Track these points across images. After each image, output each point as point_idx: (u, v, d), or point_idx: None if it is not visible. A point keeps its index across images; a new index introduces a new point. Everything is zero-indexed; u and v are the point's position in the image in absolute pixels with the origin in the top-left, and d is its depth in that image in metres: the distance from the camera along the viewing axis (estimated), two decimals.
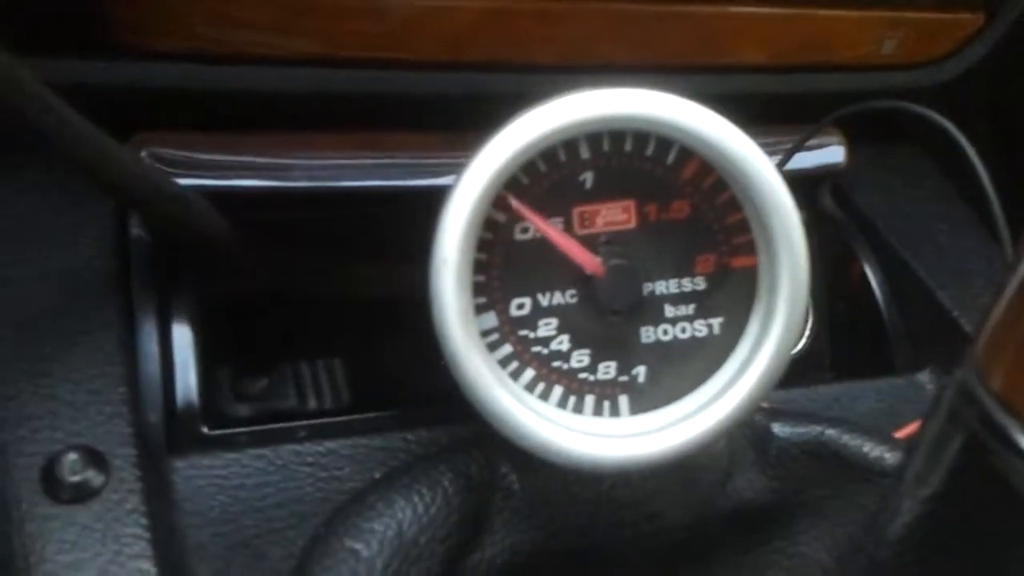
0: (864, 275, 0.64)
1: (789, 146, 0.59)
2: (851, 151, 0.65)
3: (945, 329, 0.60)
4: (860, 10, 0.60)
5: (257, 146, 0.53)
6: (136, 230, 0.51)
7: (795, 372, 0.50)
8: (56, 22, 0.47)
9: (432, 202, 0.40)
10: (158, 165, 0.50)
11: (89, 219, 0.49)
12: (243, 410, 0.56)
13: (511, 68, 0.55)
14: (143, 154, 0.50)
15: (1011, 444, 0.29)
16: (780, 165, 0.59)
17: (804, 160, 0.62)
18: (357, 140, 0.55)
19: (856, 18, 0.61)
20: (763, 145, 0.42)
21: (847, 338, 0.65)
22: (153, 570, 0.40)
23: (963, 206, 0.67)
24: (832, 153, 0.64)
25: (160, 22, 0.48)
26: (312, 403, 0.59)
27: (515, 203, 0.41)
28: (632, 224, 0.43)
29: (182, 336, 0.50)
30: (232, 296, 0.54)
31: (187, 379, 0.49)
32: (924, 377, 0.59)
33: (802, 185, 0.63)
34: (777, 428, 0.50)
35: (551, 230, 0.42)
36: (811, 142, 0.61)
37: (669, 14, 0.56)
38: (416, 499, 0.44)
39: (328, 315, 0.58)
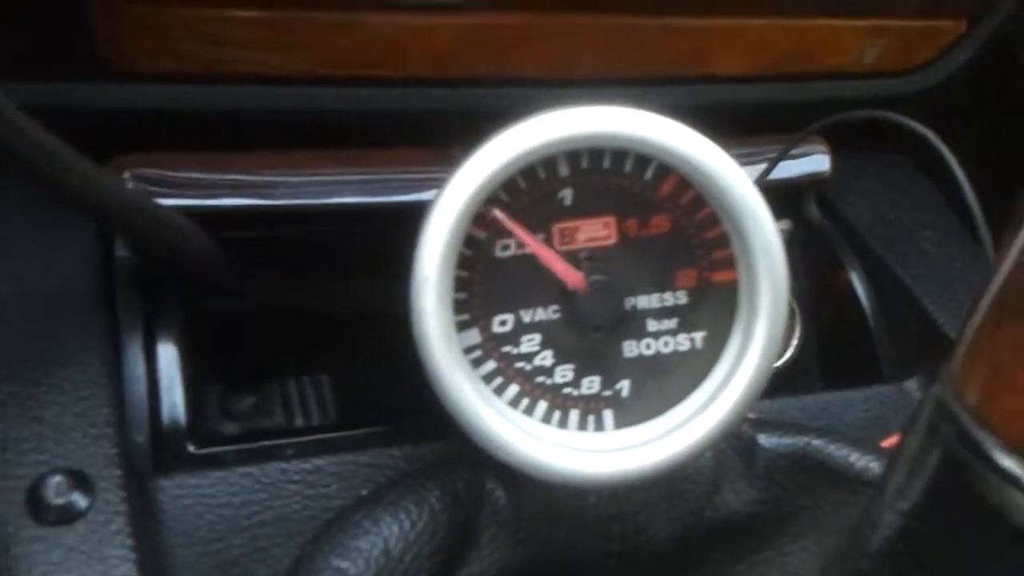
0: (850, 283, 0.64)
1: (773, 156, 0.60)
2: (836, 159, 0.65)
3: (931, 336, 0.60)
4: (843, 19, 0.60)
5: (240, 164, 0.53)
6: (121, 250, 0.51)
7: (783, 382, 0.51)
8: (41, 43, 0.47)
9: (417, 218, 0.40)
10: (141, 185, 0.50)
11: (73, 240, 0.49)
12: (230, 428, 0.57)
13: (496, 83, 0.55)
14: (126, 175, 0.50)
15: (987, 459, 0.29)
16: (764, 175, 0.59)
17: (789, 169, 0.62)
18: (341, 157, 0.55)
19: (839, 27, 0.61)
20: (747, 155, 0.42)
21: (834, 347, 0.65)
22: None
23: (948, 213, 0.68)
24: (816, 162, 0.64)
25: (145, 41, 0.48)
26: (299, 420, 0.59)
27: (499, 215, 0.41)
28: (613, 240, 0.43)
29: (168, 355, 0.50)
30: (218, 314, 0.54)
31: (173, 398, 0.49)
32: (911, 385, 0.60)
33: (787, 194, 0.63)
34: (763, 439, 0.50)
35: (534, 243, 0.42)
36: (795, 151, 0.61)
37: (654, 27, 0.56)
38: (402, 516, 0.44)
39: (315, 332, 0.58)
